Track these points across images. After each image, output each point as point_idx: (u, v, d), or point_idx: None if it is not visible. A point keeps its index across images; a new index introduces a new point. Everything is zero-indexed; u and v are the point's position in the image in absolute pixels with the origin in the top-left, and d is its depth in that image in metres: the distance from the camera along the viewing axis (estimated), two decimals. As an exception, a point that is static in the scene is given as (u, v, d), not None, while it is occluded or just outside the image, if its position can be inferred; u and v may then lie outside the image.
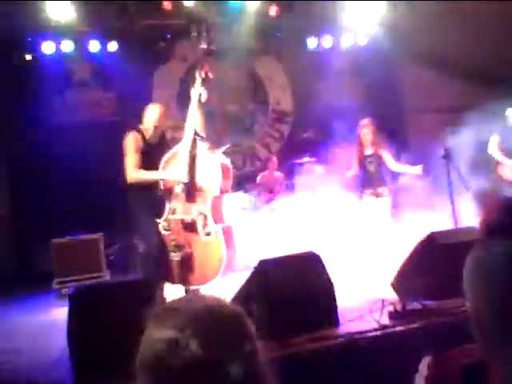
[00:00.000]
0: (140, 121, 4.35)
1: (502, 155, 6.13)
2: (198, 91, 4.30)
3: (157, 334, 0.86)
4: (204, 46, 4.69)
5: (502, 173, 6.18)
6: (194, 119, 4.26)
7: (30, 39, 7.10)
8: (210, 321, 0.85)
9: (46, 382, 2.74)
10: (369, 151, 5.82)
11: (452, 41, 7.51)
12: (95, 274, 5.79)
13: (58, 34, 7.17)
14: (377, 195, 5.75)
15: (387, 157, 5.72)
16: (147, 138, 4.29)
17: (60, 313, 4.21)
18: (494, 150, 6.16)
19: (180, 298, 0.99)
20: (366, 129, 5.80)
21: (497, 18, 6.87)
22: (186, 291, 4.12)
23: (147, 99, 7.61)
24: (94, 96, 7.69)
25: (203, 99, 4.34)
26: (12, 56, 6.96)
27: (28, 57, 7.13)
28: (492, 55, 7.62)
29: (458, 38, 7.36)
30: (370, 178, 5.79)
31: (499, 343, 0.96)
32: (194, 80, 4.38)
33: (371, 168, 5.78)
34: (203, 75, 4.36)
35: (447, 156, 4.93)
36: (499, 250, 0.98)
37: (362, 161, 5.81)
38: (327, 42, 8.31)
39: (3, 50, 6.89)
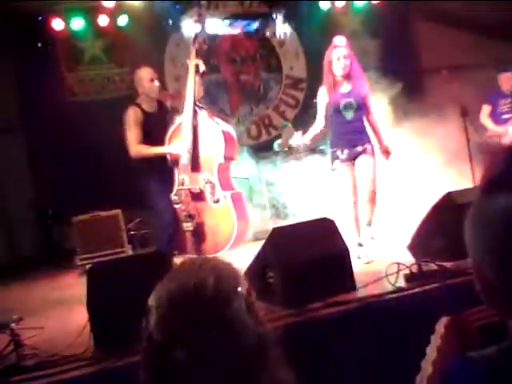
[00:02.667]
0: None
1: (493, 124, 5.97)
2: (193, 63, 4.38)
3: (150, 299, 0.90)
4: (195, 16, 4.74)
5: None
6: (192, 90, 4.32)
7: (40, 18, 7.09)
8: (177, 300, 0.85)
9: (68, 355, 2.82)
10: (344, 87, 4.03)
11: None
12: (117, 250, 5.88)
13: (67, 10, 7.16)
14: (355, 156, 4.04)
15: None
16: (145, 109, 4.37)
17: (83, 288, 4.31)
18: (485, 119, 5.99)
19: (183, 266, 0.99)
20: (340, 50, 3.99)
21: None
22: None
23: (160, 73, 7.59)
24: (106, 72, 7.68)
25: (201, 70, 4.42)
26: (24, 33, 6.96)
27: (39, 34, 7.12)
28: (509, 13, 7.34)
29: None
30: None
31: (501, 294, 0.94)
32: (189, 56, 4.50)
33: (347, 114, 4.03)
34: (197, 46, 4.45)
35: (464, 114, 4.80)
36: (502, 203, 0.94)
37: (335, 105, 4.04)
38: (339, 2, 8.10)
39: (15, 27, 6.90)
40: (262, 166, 6.33)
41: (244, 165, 6.02)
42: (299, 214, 5.65)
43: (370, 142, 4.07)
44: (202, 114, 4.35)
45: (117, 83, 7.65)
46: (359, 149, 4.00)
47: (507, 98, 6.06)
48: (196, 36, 4.55)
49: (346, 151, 3.99)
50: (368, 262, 3.90)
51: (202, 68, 4.42)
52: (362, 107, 4.03)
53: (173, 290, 0.87)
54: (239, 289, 0.88)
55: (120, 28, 7.40)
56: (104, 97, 7.54)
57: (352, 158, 4.00)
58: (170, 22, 7.65)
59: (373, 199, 4.07)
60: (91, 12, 7.28)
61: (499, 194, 0.93)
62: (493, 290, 0.95)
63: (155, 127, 4.31)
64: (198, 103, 4.37)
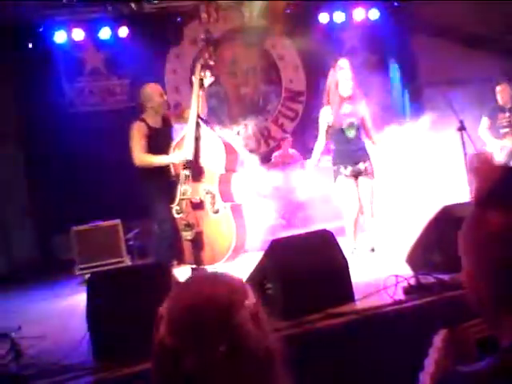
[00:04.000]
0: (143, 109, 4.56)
1: (491, 137, 6.01)
2: (197, 78, 4.52)
3: (162, 306, 0.92)
4: (202, 35, 4.91)
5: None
6: (196, 104, 4.45)
7: (41, 29, 7.16)
8: (187, 311, 0.88)
9: (68, 364, 2.82)
10: (346, 108, 4.23)
11: (466, 12, 7.35)
12: (116, 260, 5.90)
13: (68, 22, 7.23)
14: (358, 174, 4.33)
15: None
16: (151, 124, 4.50)
17: (81, 298, 4.32)
18: (483, 132, 6.02)
19: (196, 278, 1.04)
20: (343, 73, 4.18)
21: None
22: (194, 270, 4.28)
23: (160, 84, 7.64)
24: (106, 84, 7.74)
25: (207, 84, 4.56)
26: (25, 45, 7.02)
27: (40, 46, 7.18)
28: (509, 26, 7.44)
29: (473, 9, 7.19)
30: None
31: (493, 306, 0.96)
32: (194, 68, 4.64)
33: (350, 133, 4.26)
34: (202, 62, 4.57)
35: (462, 128, 4.85)
36: (495, 217, 0.97)
37: (336, 123, 4.28)
38: (339, 16, 8.20)
39: (16, 39, 6.96)
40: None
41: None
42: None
43: (369, 159, 4.39)
44: (205, 127, 4.46)
45: (117, 95, 7.71)
46: (361, 166, 4.32)
47: (505, 111, 6.10)
48: (201, 54, 4.69)
49: (349, 168, 4.29)
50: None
51: (208, 82, 4.54)
52: (362, 126, 4.33)
53: (185, 299, 0.90)
54: (248, 302, 0.91)
55: (121, 40, 7.47)
56: (104, 108, 7.60)
57: (354, 175, 4.33)
58: (171, 34, 7.73)
59: (372, 213, 4.49)
60: (92, 24, 7.35)
61: (493, 208, 0.96)
62: (485, 303, 0.98)
63: (159, 141, 4.43)
64: (201, 116, 4.48)
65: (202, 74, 4.50)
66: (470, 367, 0.96)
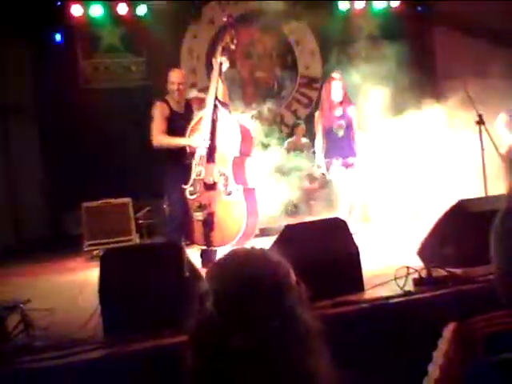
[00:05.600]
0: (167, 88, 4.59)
1: (508, 133, 5.91)
2: (218, 61, 4.53)
3: (205, 282, 0.91)
4: (224, 18, 4.90)
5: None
6: (215, 87, 4.48)
7: (59, 3, 7.12)
8: (237, 286, 0.87)
9: (78, 338, 2.85)
10: (337, 111, 5.04)
11: (490, 7, 7.23)
12: (124, 238, 5.93)
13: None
14: (347, 166, 5.07)
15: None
16: (173, 107, 4.55)
17: (90, 273, 4.36)
18: (501, 128, 5.93)
19: (236, 253, 0.98)
20: (336, 83, 5.01)
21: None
22: (202, 253, 4.34)
23: (176, 63, 7.62)
24: (122, 61, 7.70)
25: (224, 68, 4.57)
26: (42, 20, 6.99)
27: (57, 21, 7.15)
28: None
29: (497, 3, 7.07)
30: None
31: None
32: (215, 50, 4.65)
33: (339, 132, 5.03)
34: (224, 45, 4.58)
35: (480, 122, 4.80)
36: None
37: (330, 124, 5.08)
38: (359, 3, 8.09)
39: (33, 14, 6.92)
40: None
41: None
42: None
43: (355, 154, 5.20)
44: (223, 110, 4.48)
45: (133, 72, 7.68)
46: (349, 160, 5.11)
47: None
48: (224, 34, 4.67)
49: (340, 159, 5.07)
50: None
51: (226, 66, 4.56)
52: (349, 127, 5.11)
53: (233, 274, 0.88)
54: (292, 281, 0.90)
55: (138, 17, 7.42)
56: (119, 85, 7.58)
57: (345, 166, 5.09)
58: (189, 13, 7.66)
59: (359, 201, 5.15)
60: (111, 0, 7.30)
61: None
62: None
63: (179, 125, 4.49)
64: (219, 99, 4.49)
65: (222, 57, 4.52)
66: (497, 357, 0.96)
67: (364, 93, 6.13)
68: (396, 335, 2.86)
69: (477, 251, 3.24)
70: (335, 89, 5.03)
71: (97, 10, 7.28)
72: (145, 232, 6.30)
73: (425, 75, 8.19)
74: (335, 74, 5.22)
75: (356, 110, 5.21)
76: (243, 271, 0.89)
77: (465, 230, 3.37)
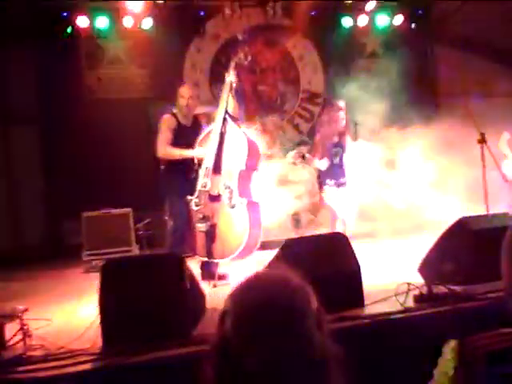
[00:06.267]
0: (174, 100, 4.70)
1: (511, 152, 5.92)
2: (230, 76, 4.60)
3: (226, 301, 0.92)
4: (241, 36, 5.09)
5: (505, 172, 5.88)
6: (226, 101, 4.54)
7: (65, 14, 7.18)
8: (257, 308, 0.87)
9: (75, 349, 2.83)
10: (335, 138, 5.42)
11: (492, 26, 7.30)
12: (124, 248, 5.92)
13: (93, 9, 7.25)
14: (339, 185, 5.39)
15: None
16: (181, 120, 4.64)
17: (90, 283, 4.34)
18: (503, 146, 5.95)
19: (258, 275, 0.99)
20: (341, 113, 5.35)
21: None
22: (203, 265, 4.35)
23: (180, 77, 7.68)
24: (126, 73, 7.75)
25: (234, 84, 4.63)
26: (47, 31, 7.05)
27: (63, 31, 7.20)
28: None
29: (497, 24, 7.14)
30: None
31: None
32: (228, 65, 4.73)
33: (335, 159, 5.39)
34: (237, 61, 4.70)
35: (482, 141, 4.82)
36: None
37: (329, 149, 5.39)
38: (362, 20, 8.16)
39: (40, 24, 6.99)
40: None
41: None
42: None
43: (345, 176, 5.55)
44: (232, 123, 4.53)
45: (137, 84, 7.73)
46: (342, 180, 5.49)
47: None
48: (237, 52, 4.80)
49: (333, 181, 5.46)
50: None
51: (235, 83, 4.63)
52: (343, 153, 5.49)
53: (253, 298, 0.89)
54: (311, 305, 0.91)
55: (144, 30, 7.48)
56: (122, 96, 7.61)
57: (337, 185, 5.48)
58: (193, 28, 7.74)
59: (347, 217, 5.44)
60: (117, 12, 7.37)
61: None
62: None
63: (187, 138, 4.56)
64: (229, 113, 4.56)
65: (233, 73, 4.61)
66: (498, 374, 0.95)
67: (366, 108, 6.18)
68: (396, 351, 2.84)
69: (477, 269, 3.25)
70: (341, 118, 5.34)
71: (102, 22, 7.34)
72: (145, 243, 6.29)
73: (427, 92, 8.25)
74: (341, 103, 5.47)
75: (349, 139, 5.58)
76: (262, 295, 0.89)
77: (466, 247, 3.38)
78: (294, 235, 5.94)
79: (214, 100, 7.48)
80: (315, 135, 5.81)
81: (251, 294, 0.90)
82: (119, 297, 2.91)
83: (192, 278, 3.11)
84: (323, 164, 5.47)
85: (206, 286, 3.87)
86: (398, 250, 4.96)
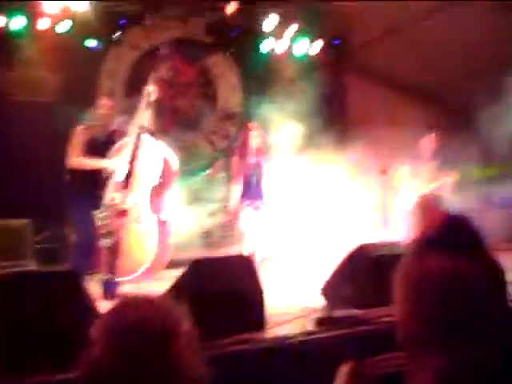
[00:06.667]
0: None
1: (410, 183, 6.29)
2: (149, 89, 4.56)
3: (95, 327, 0.92)
4: (163, 49, 5.22)
5: (403, 201, 6.11)
6: (142, 114, 4.49)
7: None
8: (124, 334, 0.87)
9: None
10: (252, 159, 5.46)
11: (401, 62, 7.81)
12: (19, 262, 5.53)
13: (9, 9, 6.86)
14: (255, 207, 5.42)
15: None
16: (95, 133, 4.55)
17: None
18: (402, 178, 6.19)
19: (125, 301, 1.00)
20: (255, 132, 5.44)
21: (446, 46, 7.19)
22: (104, 284, 4.19)
23: (94, 82, 7.43)
24: (38, 75, 7.37)
25: (153, 97, 4.60)
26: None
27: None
28: (440, 82, 7.98)
29: (408, 62, 7.66)
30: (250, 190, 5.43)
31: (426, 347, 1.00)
32: (148, 78, 4.69)
33: (253, 180, 5.43)
34: (159, 75, 4.73)
35: (384, 170, 5.10)
36: (432, 265, 1.01)
37: (245, 170, 5.44)
38: (280, 47, 8.41)
39: None
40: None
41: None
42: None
43: (262, 198, 5.57)
44: (147, 138, 4.44)
45: (47, 88, 7.36)
46: (258, 202, 5.48)
47: (425, 161, 6.42)
48: (159, 64, 4.87)
49: (249, 201, 5.45)
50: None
51: (155, 96, 4.61)
52: (260, 175, 5.51)
53: (120, 323, 0.88)
54: (185, 329, 0.90)
55: (60, 34, 7.19)
56: (29, 100, 7.21)
57: (253, 207, 5.47)
58: (114, 35, 7.55)
59: (264, 238, 5.52)
60: (34, 14, 7.03)
61: (433, 253, 1.00)
62: (413, 339, 1.02)
63: (99, 152, 4.44)
64: (145, 126, 4.48)
65: (153, 87, 4.58)
66: None
67: (280, 131, 6.34)
68: (296, 374, 2.88)
69: (375, 293, 3.40)
70: (253, 138, 5.40)
71: (19, 23, 6.97)
72: (43, 257, 5.92)
73: (337, 119, 8.63)
74: (253, 124, 5.63)
75: (267, 159, 5.67)
76: (128, 320, 0.89)
77: (365, 272, 3.52)
78: (205, 254, 5.92)
79: (129, 110, 7.32)
80: (233, 155, 5.85)
81: (116, 320, 0.90)
82: (9, 313, 2.70)
83: (89, 296, 2.97)
84: (236, 189, 5.52)
85: (105, 306, 3.71)
86: (305, 273, 5.07)
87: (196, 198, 6.65)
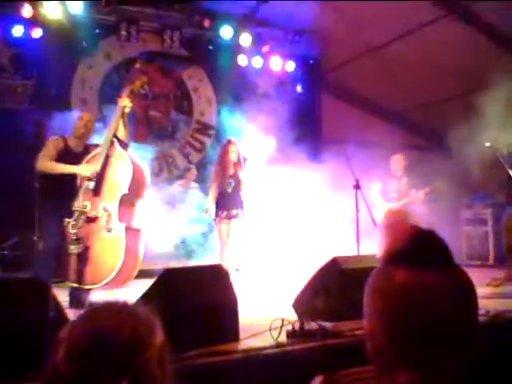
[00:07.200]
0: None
1: (381, 200, 6.48)
2: (123, 101, 4.58)
3: (63, 331, 0.90)
4: (138, 65, 5.19)
5: (375, 217, 6.35)
6: (116, 125, 4.49)
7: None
8: (91, 340, 0.85)
9: None
10: (231, 170, 5.71)
11: (374, 83, 7.98)
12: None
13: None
14: (230, 217, 5.56)
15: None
16: (70, 145, 4.53)
17: None
18: (374, 194, 6.45)
19: (94, 307, 0.97)
20: (234, 147, 5.73)
21: (419, 67, 7.39)
22: (71, 292, 4.12)
23: (67, 92, 7.35)
24: (9, 82, 7.25)
25: (127, 110, 4.61)
26: None
27: None
28: (412, 101, 8.19)
29: (382, 83, 7.84)
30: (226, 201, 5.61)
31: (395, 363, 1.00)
32: (122, 90, 4.74)
33: (229, 189, 5.63)
34: (133, 88, 4.73)
35: (357, 187, 5.18)
36: (399, 278, 1.02)
37: (222, 179, 5.66)
38: (257, 62, 8.49)
39: None
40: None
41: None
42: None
43: (242, 207, 5.73)
44: (119, 149, 4.45)
45: (18, 94, 7.24)
46: (234, 212, 5.64)
47: (395, 179, 6.59)
48: (133, 81, 4.80)
49: (225, 212, 5.63)
50: None
51: (129, 109, 4.62)
52: (237, 185, 5.71)
53: (89, 328, 0.86)
54: (156, 340, 0.88)
55: (33, 41, 7.10)
56: (2, 106, 7.09)
57: (229, 218, 5.63)
58: (86, 44, 7.49)
59: (239, 248, 5.63)
60: (7, 20, 6.94)
61: (400, 267, 1.01)
62: (381, 353, 1.02)
63: (73, 163, 4.41)
64: (118, 137, 4.49)
65: (127, 99, 4.60)
66: None
67: (252, 144, 6.38)
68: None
69: (347, 306, 3.42)
70: (232, 151, 5.71)
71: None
72: (9, 264, 5.77)
73: (311, 135, 8.74)
74: (232, 139, 5.93)
75: (245, 173, 5.86)
76: (95, 327, 0.86)
77: (337, 285, 3.54)
78: (181, 263, 5.89)
79: (102, 119, 7.26)
80: (206, 167, 6.03)
81: (84, 325, 0.88)
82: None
83: (57, 305, 2.89)
84: (211, 193, 5.70)
85: (74, 314, 3.62)
86: (278, 285, 5.08)
87: (169, 208, 6.60)
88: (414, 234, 1.04)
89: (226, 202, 5.64)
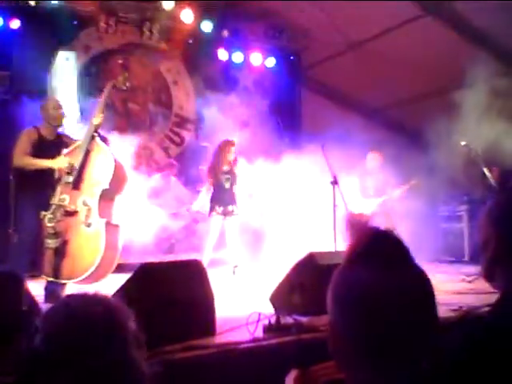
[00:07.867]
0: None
1: (359, 197, 6.58)
2: (105, 95, 4.62)
3: (39, 319, 0.92)
4: (121, 60, 5.18)
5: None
6: (98, 118, 4.47)
7: None
8: (67, 326, 0.87)
9: None
10: (226, 167, 5.87)
11: (354, 79, 8.03)
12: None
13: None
14: (226, 213, 5.70)
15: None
16: (43, 134, 4.45)
17: None
18: (352, 191, 6.52)
19: (73, 295, 0.99)
20: (234, 148, 5.87)
21: (400, 64, 7.45)
22: (47, 286, 4.09)
23: (44, 82, 7.22)
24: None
25: (107, 101, 4.73)
26: None
27: None
28: (388, 98, 8.25)
29: (362, 79, 7.88)
30: (222, 195, 5.76)
31: (354, 359, 1.02)
32: (102, 84, 4.87)
33: (226, 185, 5.79)
34: (115, 84, 4.78)
35: (335, 182, 5.21)
36: (362, 277, 1.03)
37: (218, 176, 5.80)
38: (237, 57, 8.47)
39: None
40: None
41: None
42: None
43: (236, 203, 5.87)
44: (100, 142, 4.43)
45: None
46: (230, 208, 5.77)
47: (372, 176, 6.69)
48: (117, 79, 4.84)
49: (221, 208, 5.73)
50: None
51: (109, 100, 4.78)
52: (233, 181, 5.87)
53: (66, 311, 0.88)
54: (131, 324, 0.90)
55: (10, 31, 6.97)
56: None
57: (224, 214, 5.74)
58: (64, 35, 7.38)
59: (237, 245, 5.75)
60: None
61: (361, 265, 1.03)
62: (343, 351, 1.03)
63: (48, 152, 4.36)
64: (99, 132, 4.48)
65: (108, 93, 4.64)
66: None
67: (232, 138, 6.39)
68: (245, 380, 2.87)
69: (322, 301, 3.46)
70: (232, 152, 5.86)
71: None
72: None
73: (292, 130, 8.76)
74: (233, 140, 6.06)
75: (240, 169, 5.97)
76: (72, 308, 0.89)
77: (312, 280, 3.57)
78: (161, 258, 5.88)
79: (79, 110, 7.17)
80: (209, 165, 6.10)
81: (63, 312, 0.90)
82: None
83: (31, 299, 2.86)
84: (206, 194, 5.84)
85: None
86: (255, 279, 5.09)
87: (151, 201, 6.57)
88: (373, 235, 1.07)
89: (222, 198, 5.74)
